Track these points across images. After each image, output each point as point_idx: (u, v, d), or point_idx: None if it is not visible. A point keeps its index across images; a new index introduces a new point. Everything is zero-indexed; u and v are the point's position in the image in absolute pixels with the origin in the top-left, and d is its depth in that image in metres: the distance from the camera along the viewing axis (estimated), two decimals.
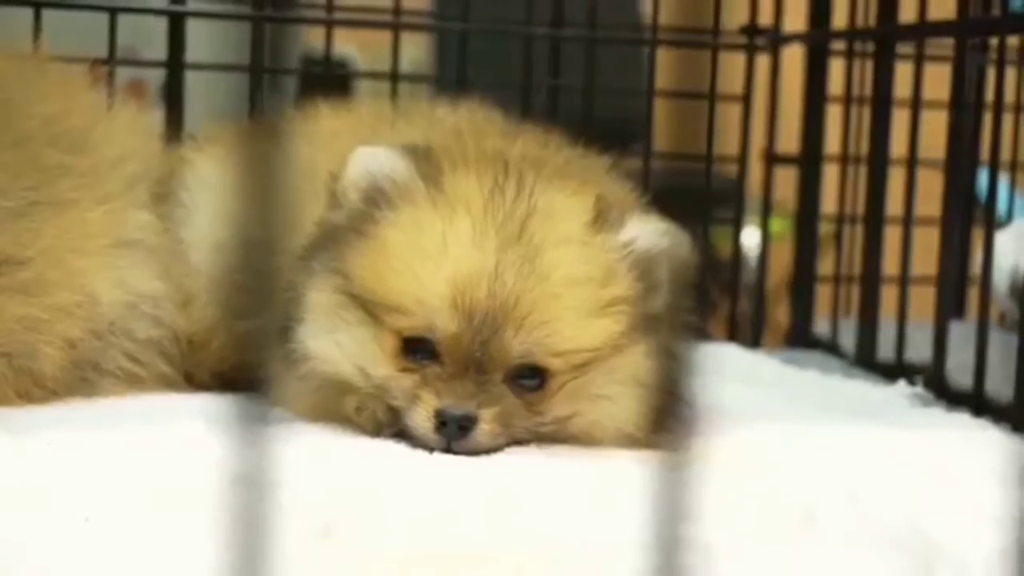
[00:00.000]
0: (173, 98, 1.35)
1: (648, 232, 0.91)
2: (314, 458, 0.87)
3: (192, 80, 1.36)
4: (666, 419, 0.94)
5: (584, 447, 0.90)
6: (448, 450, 0.88)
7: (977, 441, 0.94)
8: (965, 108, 1.22)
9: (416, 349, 0.90)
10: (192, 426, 0.83)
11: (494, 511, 0.77)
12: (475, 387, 0.88)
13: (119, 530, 0.71)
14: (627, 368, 0.90)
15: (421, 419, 0.88)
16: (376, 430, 0.91)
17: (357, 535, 0.72)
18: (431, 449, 0.88)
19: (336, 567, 0.70)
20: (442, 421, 0.87)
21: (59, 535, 0.70)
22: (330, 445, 0.90)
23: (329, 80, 1.44)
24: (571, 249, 0.90)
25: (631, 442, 0.91)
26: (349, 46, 1.98)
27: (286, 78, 1.89)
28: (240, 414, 0.43)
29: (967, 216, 1.58)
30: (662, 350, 0.92)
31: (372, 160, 0.93)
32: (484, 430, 0.88)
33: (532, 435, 0.91)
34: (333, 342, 0.92)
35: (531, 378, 0.90)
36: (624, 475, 0.81)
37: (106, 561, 0.68)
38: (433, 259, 0.89)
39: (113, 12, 1.32)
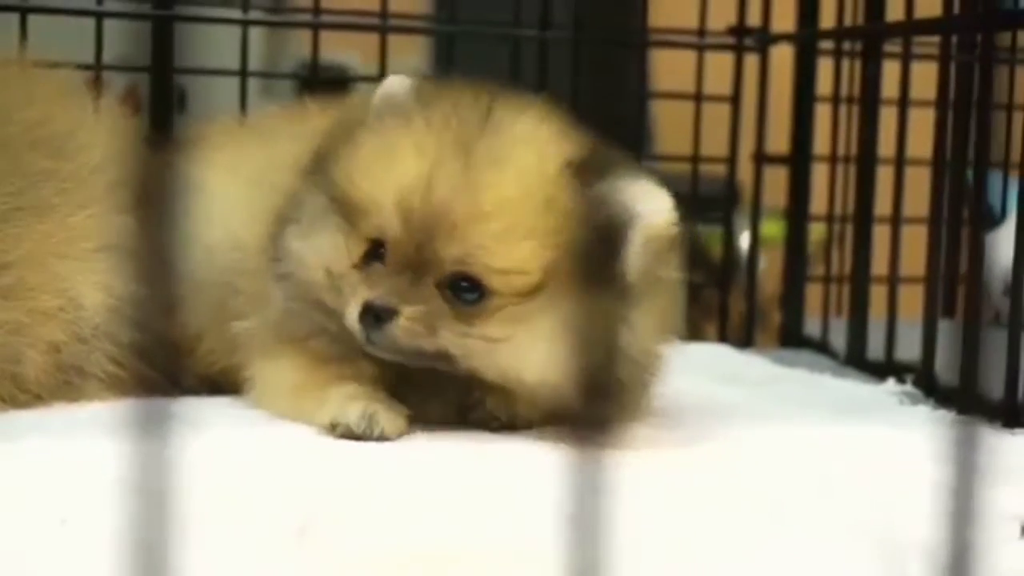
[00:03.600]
0: (159, 103, 1.35)
1: (623, 190, 0.91)
2: (289, 457, 0.87)
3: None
4: (600, 392, 0.91)
5: (506, 384, 0.93)
6: (369, 342, 0.92)
7: (958, 438, 0.94)
8: (950, 106, 1.22)
9: (377, 254, 0.94)
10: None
11: (469, 508, 0.77)
12: (406, 286, 0.91)
13: (94, 530, 0.71)
14: (568, 314, 0.90)
15: (351, 309, 0.92)
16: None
17: (333, 535, 0.72)
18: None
19: (312, 567, 0.69)
20: (365, 312, 0.91)
21: (36, 538, 0.71)
22: (305, 444, 0.90)
23: (328, 86, 1.44)
24: (512, 172, 0.91)
25: (555, 394, 0.91)
26: (351, 53, 1.98)
27: (282, 83, 1.91)
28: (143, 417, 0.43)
29: (957, 215, 1.57)
30: (617, 314, 0.91)
31: (389, 84, 1.00)
32: (402, 325, 0.91)
33: (458, 349, 0.92)
34: (311, 246, 0.98)
35: (471, 291, 0.91)
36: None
37: (81, 562, 0.68)
38: (384, 163, 0.93)
39: (99, 17, 1.32)
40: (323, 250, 0.97)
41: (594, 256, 0.89)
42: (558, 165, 0.92)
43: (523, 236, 0.90)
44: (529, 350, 0.91)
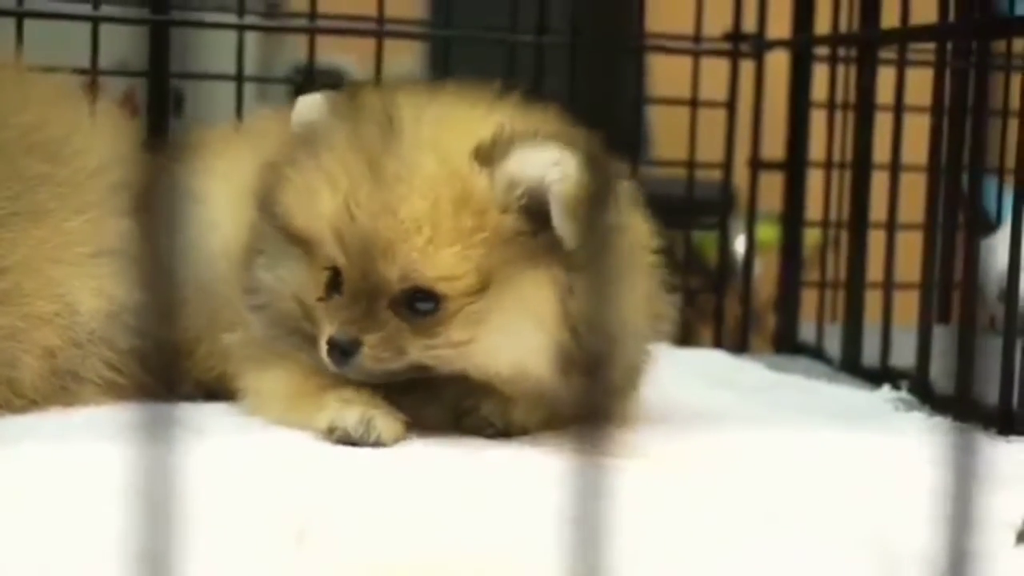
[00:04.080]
0: (156, 107, 1.35)
1: (533, 161, 0.89)
2: (287, 463, 0.87)
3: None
4: (577, 361, 0.91)
5: (489, 379, 0.93)
6: (342, 372, 0.93)
7: (954, 445, 0.94)
8: (945, 112, 1.22)
9: (337, 282, 0.94)
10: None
11: (466, 514, 0.77)
12: (361, 314, 0.92)
13: (90, 535, 0.71)
14: (521, 298, 0.90)
15: (321, 344, 0.93)
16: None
17: (332, 541, 0.72)
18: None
19: (311, 572, 0.69)
20: (331, 348, 0.93)
21: (32, 542, 0.71)
22: (302, 449, 0.91)
23: (324, 90, 1.44)
24: (420, 183, 0.90)
25: (536, 381, 0.92)
26: (347, 57, 1.98)
27: (277, 87, 1.91)
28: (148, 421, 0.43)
29: (952, 220, 1.58)
30: (564, 285, 0.90)
31: (300, 109, 1.00)
32: (368, 354, 0.92)
33: (430, 360, 0.93)
34: (279, 278, 0.99)
35: (426, 301, 0.92)
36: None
37: (79, 566, 0.68)
38: (309, 197, 0.94)
39: (95, 22, 1.32)
40: (290, 281, 0.98)
41: (528, 235, 0.90)
42: (465, 158, 0.91)
43: (445, 244, 0.89)
44: (497, 344, 0.92)
